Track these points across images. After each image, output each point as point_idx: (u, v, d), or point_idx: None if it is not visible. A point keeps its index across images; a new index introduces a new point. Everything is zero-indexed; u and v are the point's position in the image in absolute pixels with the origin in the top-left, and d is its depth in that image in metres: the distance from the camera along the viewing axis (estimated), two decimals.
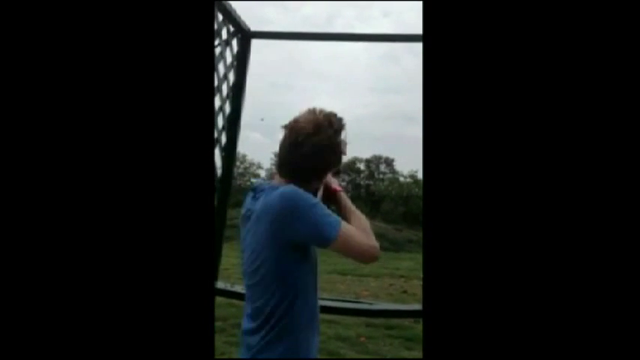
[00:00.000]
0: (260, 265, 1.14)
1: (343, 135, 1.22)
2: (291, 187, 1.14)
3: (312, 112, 1.20)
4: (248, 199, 1.26)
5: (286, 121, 1.21)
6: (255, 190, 1.24)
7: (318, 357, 1.24)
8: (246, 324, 1.19)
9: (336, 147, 1.21)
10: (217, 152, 2.41)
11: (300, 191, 1.13)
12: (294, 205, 1.10)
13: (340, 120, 1.21)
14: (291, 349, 1.14)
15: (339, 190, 1.33)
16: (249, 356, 1.15)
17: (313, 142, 1.16)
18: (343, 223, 1.13)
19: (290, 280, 1.14)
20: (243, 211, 1.26)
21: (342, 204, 1.31)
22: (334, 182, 1.35)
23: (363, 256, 1.15)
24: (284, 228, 1.10)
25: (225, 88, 2.41)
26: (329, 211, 1.14)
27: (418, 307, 2.39)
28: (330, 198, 1.31)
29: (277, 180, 1.22)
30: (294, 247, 1.13)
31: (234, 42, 2.49)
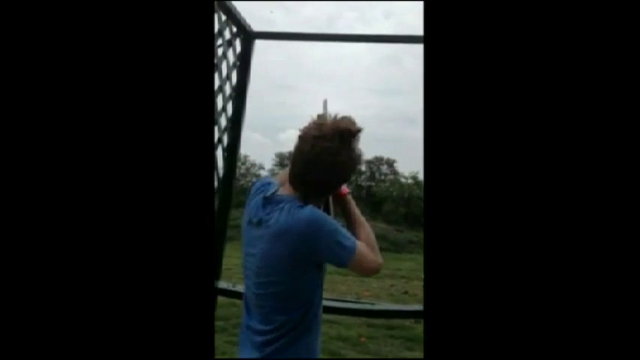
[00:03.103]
0: (277, 281, 1.16)
1: (359, 144, 1.19)
2: (314, 212, 1.14)
3: (336, 124, 1.14)
4: (258, 206, 1.22)
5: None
6: (269, 200, 1.20)
7: (319, 357, 1.24)
8: (254, 323, 1.20)
9: (355, 162, 1.19)
10: (220, 153, 2.41)
11: (323, 216, 1.15)
12: (319, 231, 1.12)
13: (359, 130, 1.16)
14: (301, 352, 1.17)
15: (347, 193, 1.34)
16: (257, 355, 1.17)
17: (335, 161, 1.13)
18: (358, 245, 1.16)
19: (307, 294, 1.18)
20: (250, 214, 1.24)
21: (348, 208, 1.32)
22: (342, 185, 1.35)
23: (369, 274, 1.24)
24: (307, 251, 1.13)
25: (227, 89, 2.41)
26: (347, 233, 1.17)
27: (419, 307, 2.39)
28: (339, 200, 1.32)
29: (288, 190, 1.21)
30: (313, 265, 1.17)
31: (237, 42, 2.49)
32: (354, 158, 1.18)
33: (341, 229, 1.17)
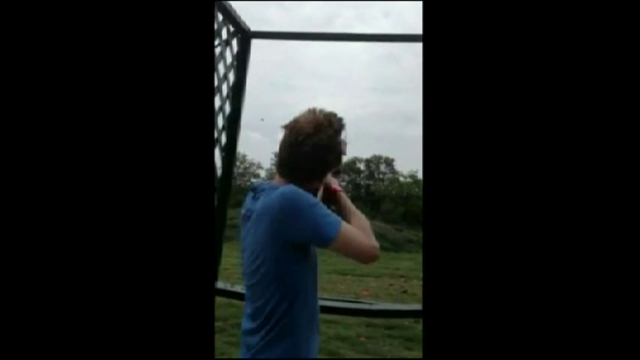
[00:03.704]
0: (260, 265, 1.14)
1: (343, 135, 1.22)
2: (290, 187, 1.14)
3: (312, 112, 1.20)
4: (248, 199, 1.26)
5: (286, 121, 1.21)
6: (255, 190, 1.23)
7: (318, 357, 1.24)
8: (246, 324, 1.20)
9: (335, 147, 1.20)
10: (217, 152, 2.41)
11: (300, 191, 1.13)
12: (294, 204, 1.10)
13: (340, 120, 1.21)
14: (291, 349, 1.14)
15: (339, 191, 1.33)
16: (249, 356, 1.16)
17: (313, 142, 1.15)
18: (343, 223, 1.13)
19: (290, 280, 1.14)
20: (243, 211, 1.26)
21: (342, 204, 1.30)
22: (334, 182, 1.35)
23: (363, 256, 1.15)
24: (284, 228, 1.10)
25: (225, 88, 2.41)
26: (329, 211, 1.14)
27: (418, 307, 2.39)
28: (330, 198, 1.31)
29: (277, 180, 1.22)
30: (294, 246, 1.13)
31: (235, 42, 2.49)
32: (336, 143, 1.20)
33: (321, 205, 1.14)
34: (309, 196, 1.13)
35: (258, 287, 1.16)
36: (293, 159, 1.18)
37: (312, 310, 1.20)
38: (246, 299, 1.23)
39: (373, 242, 1.16)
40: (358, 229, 1.17)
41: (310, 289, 1.19)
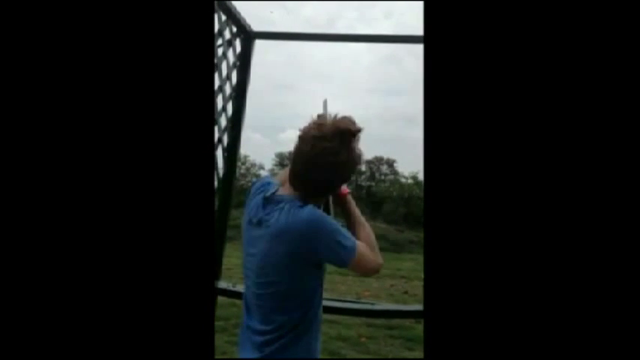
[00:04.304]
0: (278, 281, 1.16)
1: (359, 144, 1.20)
2: (313, 211, 1.14)
3: (335, 124, 1.14)
4: (258, 206, 1.22)
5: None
6: (269, 201, 1.20)
7: (319, 357, 1.24)
8: (255, 324, 1.21)
9: (355, 162, 1.19)
10: (220, 153, 2.41)
11: (323, 215, 1.16)
12: (319, 230, 1.13)
13: (359, 130, 1.17)
14: (302, 351, 1.18)
15: (347, 193, 1.35)
16: (257, 355, 1.17)
17: (335, 161, 1.13)
18: (358, 245, 1.16)
19: (308, 292, 1.18)
20: (249, 214, 1.24)
21: (348, 208, 1.32)
22: (342, 186, 1.35)
23: (369, 273, 1.26)
24: (308, 251, 1.14)
25: (227, 89, 2.41)
26: (347, 234, 1.17)
27: (419, 307, 2.40)
28: (338, 201, 1.32)
29: (288, 190, 1.21)
30: (313, 265, 1.17)
31: (237, 42, 2.49)
32: (354, 158, 1.18)
33: (341, 229, 1.17)
34: (330, 221, 1.17)
35: (271, 297, 1.18)
36: (312, 176, 1.16)
37: (317, 313, 1.23)
38: (250, 303, 1.24)
39: (379, 259, 1.22)
40: (367, 246, 1.21)
41: (319, 296, 1.23)
